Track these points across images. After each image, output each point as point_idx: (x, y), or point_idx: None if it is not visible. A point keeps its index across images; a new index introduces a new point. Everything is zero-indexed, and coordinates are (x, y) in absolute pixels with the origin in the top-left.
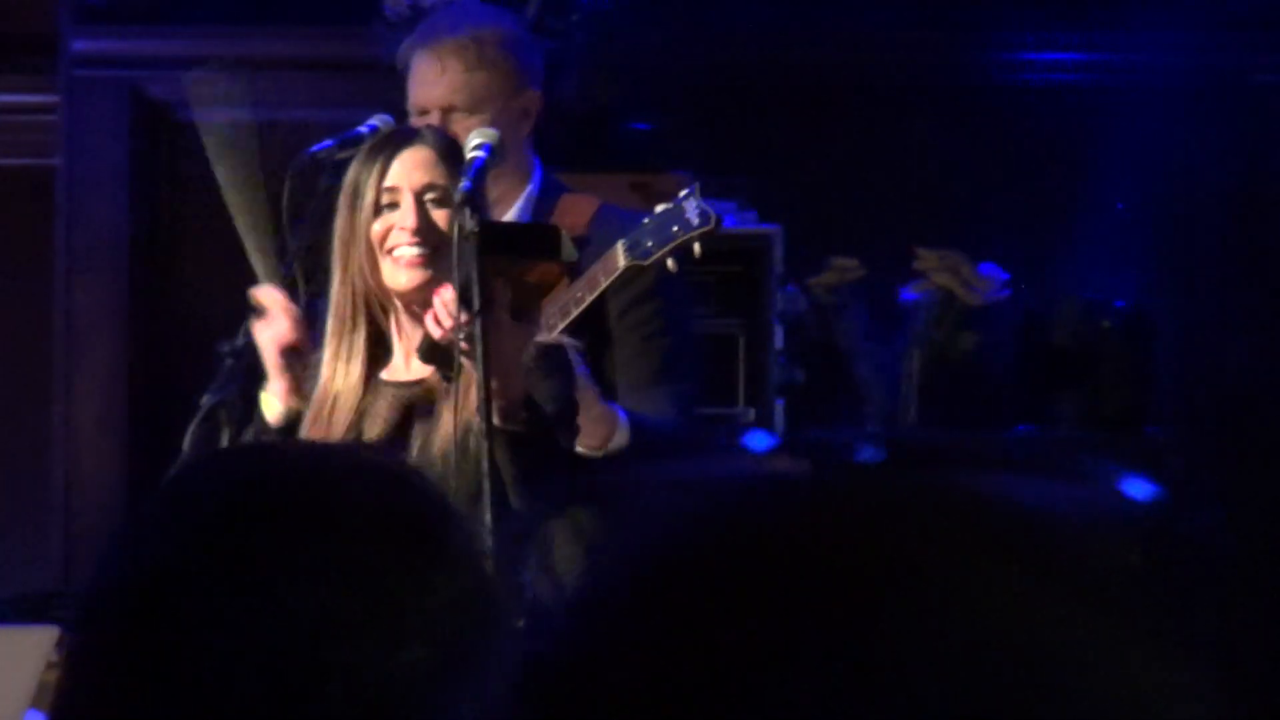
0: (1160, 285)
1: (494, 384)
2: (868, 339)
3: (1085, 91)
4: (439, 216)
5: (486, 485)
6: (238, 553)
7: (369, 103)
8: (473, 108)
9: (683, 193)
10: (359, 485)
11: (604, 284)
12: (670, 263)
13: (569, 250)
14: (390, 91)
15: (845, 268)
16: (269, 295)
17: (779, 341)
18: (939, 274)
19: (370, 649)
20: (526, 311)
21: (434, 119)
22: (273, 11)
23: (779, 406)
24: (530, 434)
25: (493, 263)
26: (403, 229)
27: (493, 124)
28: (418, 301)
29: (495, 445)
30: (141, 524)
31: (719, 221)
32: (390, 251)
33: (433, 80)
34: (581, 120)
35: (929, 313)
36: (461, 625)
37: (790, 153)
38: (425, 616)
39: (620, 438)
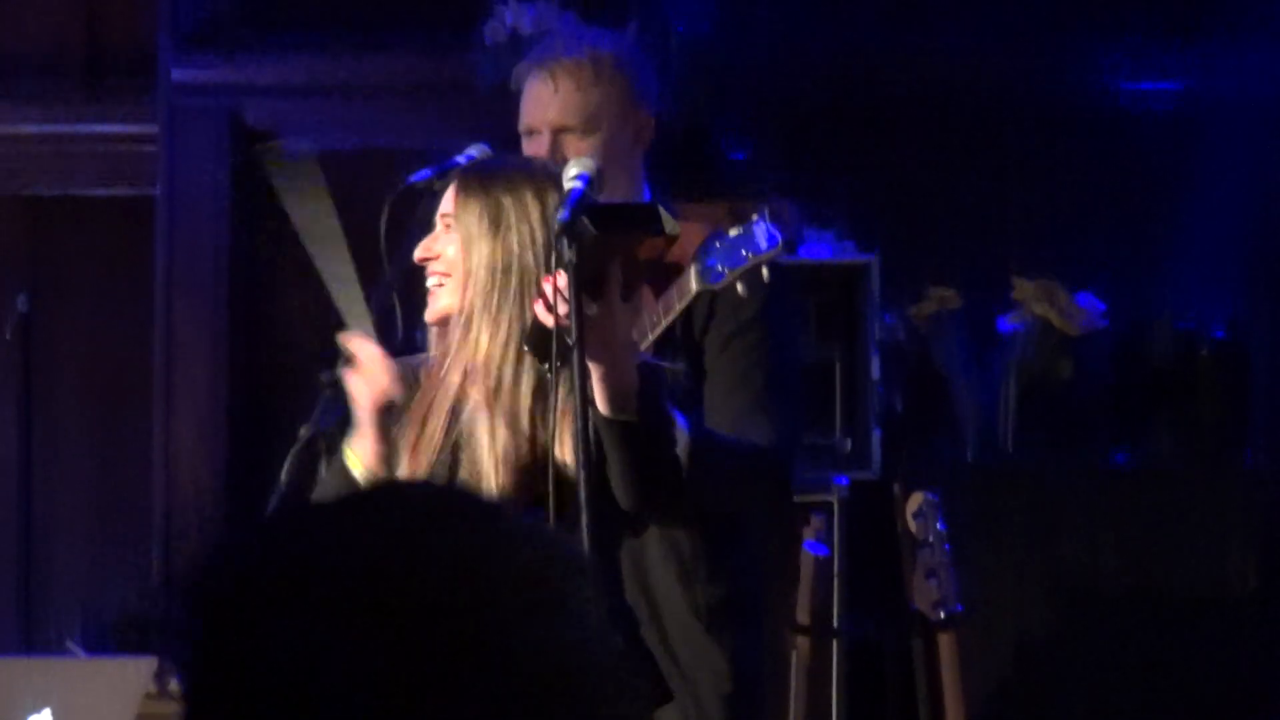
0: (1258, 313)
1: (606, 370)
2: (965, 367)
3: (1181, 119)
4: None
5: (582, 494)
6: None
7: (467, 129)
8: (586, 128)
9: (754, 217)
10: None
11: (678, 308)
12: (740, 287)
13: (671, 224)
14: (489, 117)
15: (943, 296)
16: (363, 348)
17: (877, 370)
18: (1036, 304)
19: None
20: (632, 292)
21: (544, 140)
22: (371, 38)
23: (876, 435)
24: (644, 425)
25: (604, 243)
26: (427, 256)
27: (605, 146)
28: (442, 335)
29: (607, 438)
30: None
31: (786, 244)
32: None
33: (546, 100)
34: (679, 147)
35: (1027, 342)
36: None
37: (887, 181)
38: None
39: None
